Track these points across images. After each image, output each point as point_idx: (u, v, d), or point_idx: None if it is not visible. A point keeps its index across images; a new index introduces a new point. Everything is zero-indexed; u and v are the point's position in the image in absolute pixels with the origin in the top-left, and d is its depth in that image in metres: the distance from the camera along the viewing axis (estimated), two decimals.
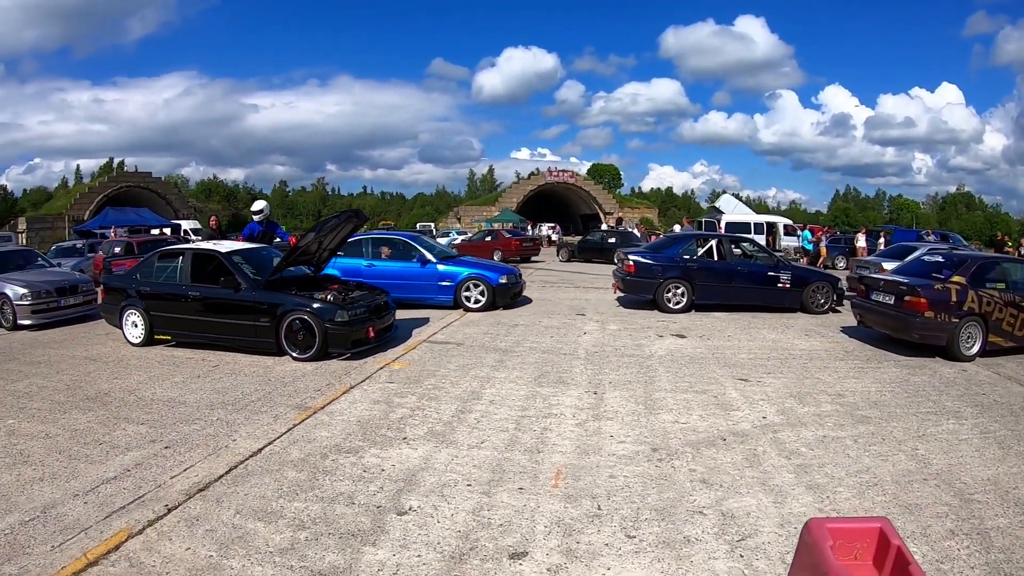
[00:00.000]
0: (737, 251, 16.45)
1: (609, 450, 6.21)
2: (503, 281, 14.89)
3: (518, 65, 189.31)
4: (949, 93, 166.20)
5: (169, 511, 4.89)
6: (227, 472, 5.61)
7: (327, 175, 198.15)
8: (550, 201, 71.58)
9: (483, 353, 10.33)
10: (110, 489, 5.29)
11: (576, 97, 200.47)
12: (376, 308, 10.39)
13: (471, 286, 14.69)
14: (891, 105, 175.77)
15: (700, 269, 15.31)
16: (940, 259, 11.84)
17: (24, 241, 44.29)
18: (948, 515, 5.20)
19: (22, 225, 52.44)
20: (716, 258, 15.55)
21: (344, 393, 8.02)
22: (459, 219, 65.81)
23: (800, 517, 4.79)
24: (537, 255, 35.04)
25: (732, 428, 7.12)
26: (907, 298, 10.47)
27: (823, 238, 31.40)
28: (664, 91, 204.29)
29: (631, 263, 15.62)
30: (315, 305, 9.55)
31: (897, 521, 4.83)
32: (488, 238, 34.78)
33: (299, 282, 10.75)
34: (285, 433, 6.60)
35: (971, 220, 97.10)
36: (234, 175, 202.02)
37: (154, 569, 4.11)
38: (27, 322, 12.78)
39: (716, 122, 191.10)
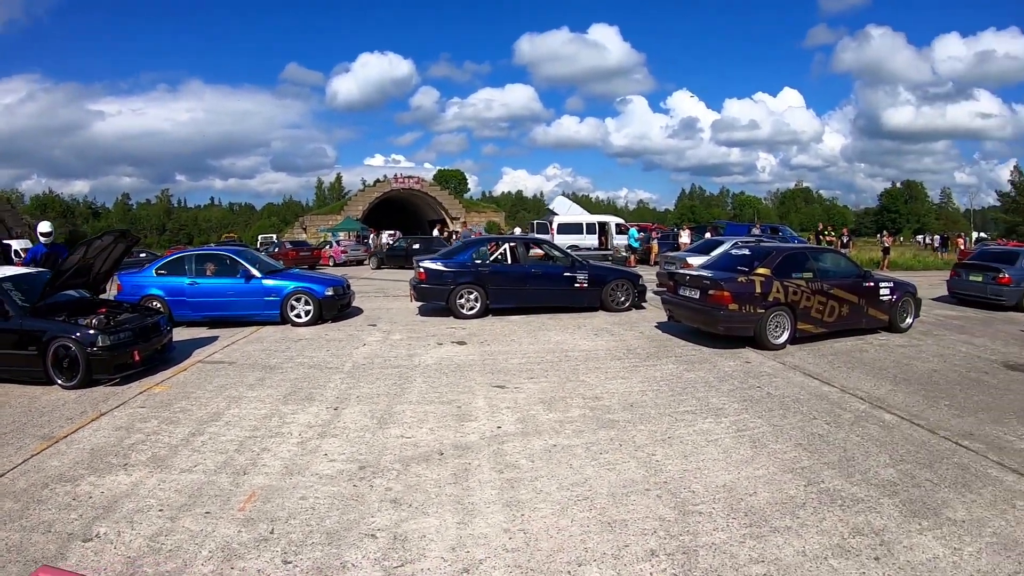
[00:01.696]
0: (539, 253, 16.13)
1: (315, 469, 5.91)
2: (329, 293, 14.21)
3: (374, 71, 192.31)
4: (791, 97, 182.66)
5: None
6: None
7: (176, 186, 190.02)
8: (398, 207, 70.76)
9: (249, 371, 9.92)
10: None
11: (431, 103, 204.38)
12: (143, 330, 9.92)
13: (296, 301, 13.99)
14: (736, 109, 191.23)
15: (492, 273, 14.73)
16: (747, 252, 12.08)
17: None
18: (656, 532, 4.56)
19: None
20: (510, 261, 15.10)
21: (93, 421, 7.63)
22: (305, 229, 64.28)
23: (479, 539, 4.57)
24: (316, 264, 36.15)
25: (458, 441, 6.56)
26: (711, 292, 10.64)
27: (654, 236, 31.57)
28: (518, 97, 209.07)
29: (422, 270, 14.88)
30: (77, 332, 9.11)
31: (591, 540, 4.43)
32: (275, 249, 37.00)
33: (72, 307, 10.21)
34: (20, 464, 6.34)
35: (810, 213, 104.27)
36: (78, 188, 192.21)
37: None
38: None
39: (569, 126, 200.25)
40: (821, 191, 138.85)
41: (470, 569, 4.19)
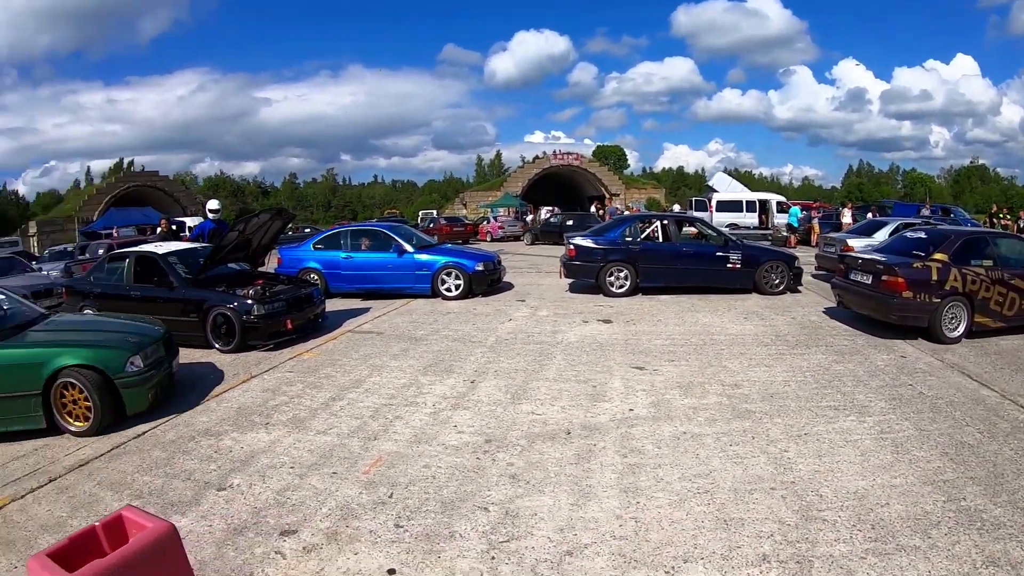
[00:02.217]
0: (691, 230, 15.86)
1: (442, 440, 6.15)
2: (479, 268, 14.62)
3: (531, 48, 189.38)
4: (965, 64, 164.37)
5: (50, 481, 5.53)
6: (109, 451, 6.16)
7: (342, 165, 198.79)
8: (557, 184, 70.66)
9: (394, 342, 10.43)
10: (15, 465, 5.94)
11: (589, 79, 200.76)
12: (297, 301, 10.73)
13: (446, 275, 14.53)
14: (906, 78, 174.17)
15: (643, 251, 14.59)
16: (923, 236, 11.22)
17: (36, 244, 46.49)
18: (772, 535, 4.40)
19: (33, 228, 52.52)
20: (661, 239, 14.86)
21: (243, 382, 8.32)
22: (465, 205, 65.37)
23: (589, 523, 4.59)
24: (469, 239, 37.04)
25: (587, 421, 6.59)
26: (884, 278, 10.00)
27: (815, 215, 30.25)
28: (677, 70, 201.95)
29: (572, 247, 14.97)
30: (234, 302, 9.99)
31: (703, 536, 4.36)
32: (431, 224, 39.20)
33: (232, 279, 11.18)
34: (172, 418, 7.01)
35: (986, 193, 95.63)
36: (249, 169, 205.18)
37: (18, 524, 4.80)
38: None
39: (731, 100, 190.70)
40: (999, 169, 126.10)
41: (573, 552, 4.23)
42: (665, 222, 15.20)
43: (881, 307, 10.15)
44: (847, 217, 27.40)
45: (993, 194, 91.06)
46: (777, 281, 14.47)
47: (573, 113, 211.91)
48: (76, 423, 6.56)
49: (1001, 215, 33.38)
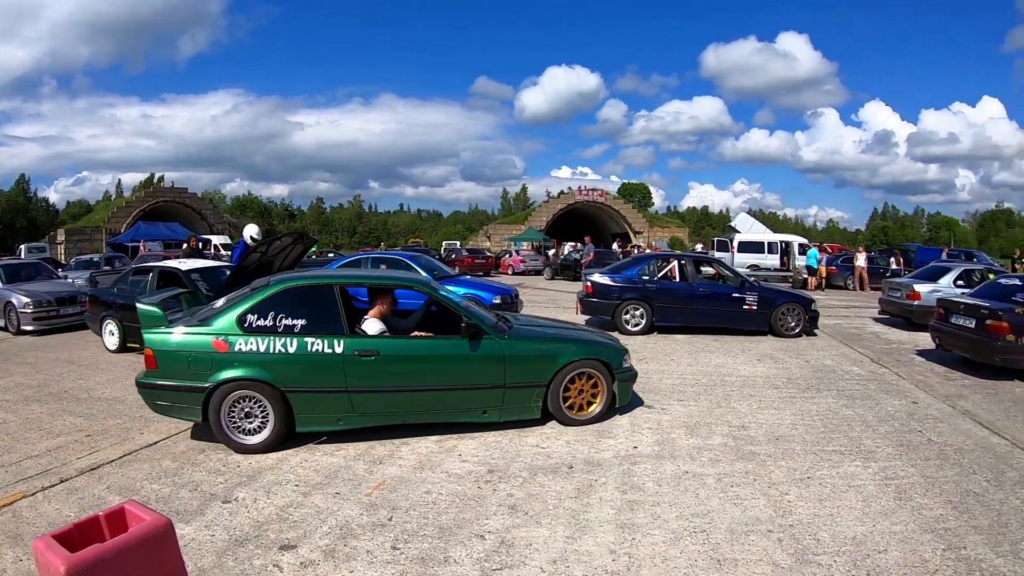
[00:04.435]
0: (708, 271, 15.87)
1: (446, 467, 6.21)
2: (496, 301, 14.24)
3: (561, 84, 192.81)
4: (991, 107, 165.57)
5: (61, 482, 5.77)
6: (120, 457, 6.39)
7: (369, 192, 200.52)
8: (581, 220, 70.77)
9: None
10: (29, 463, 6.25)
11: (618, 116, 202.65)
12: None
13: None
14: (933, 121, 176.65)
15: (660, 290, 14.61)
16: (1018, 282, 11.82)
17: (63, 252, 47.66)
18: None
19: (61, 236, 53.47)
20: (678, 279, 14.87)
21: None
22: (488, 237, 65.96)
23: (583, 555, 4.59)
24: (490, 271, 38.19)
25: (590, 456, 6.60)
26: (989, 322, 10.51)
27: (823, 258, 30.48)
28: (706, 110, 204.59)
29: (589, 284, 15.06)
30: None
31: (695, 575, 4.34)
32: (453, 255, 39.89)
33: None
34: (185, 430, 7.21)
35: (1011, 237, 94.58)
36: (278, 191, 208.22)
37: (27, 520, 5.01)
38: (29, 328, 14.39)
39: (757, 140, 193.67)
40: None
41: None
42: (683, 262, 15.21)
43: (985, 350, 10.58)
44: (861, 260, 27.79)
45: (1019, 238, 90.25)
46: (793, 324, 14.44)
47: (601, 150, 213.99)
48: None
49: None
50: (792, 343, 13.83)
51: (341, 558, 4.47)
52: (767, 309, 14.42)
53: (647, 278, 14.75)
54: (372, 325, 6.96)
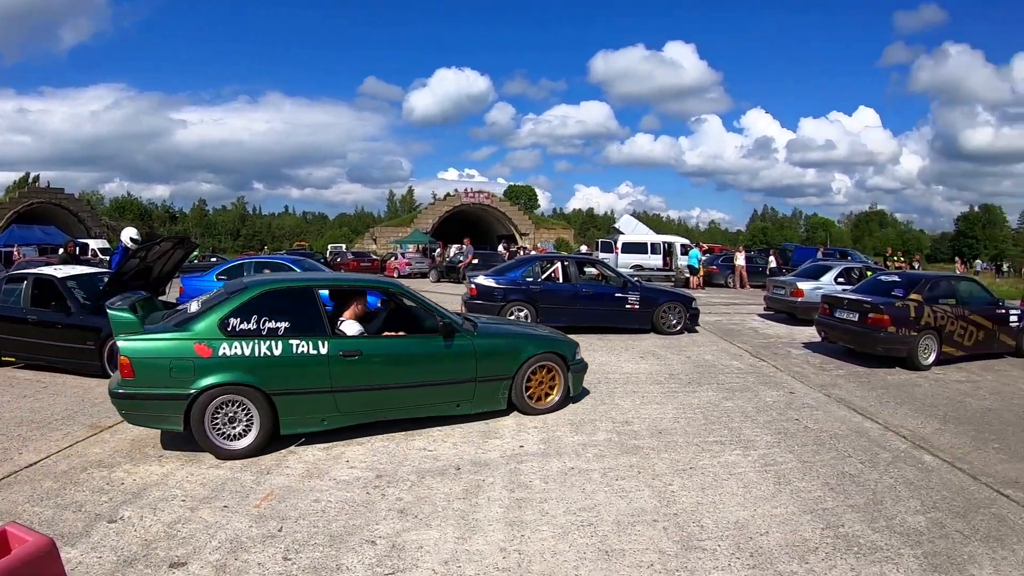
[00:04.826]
0: (591, 272, 16.10)
1: (334, 475, 6.05)
2: (379, 305, 13.79)
3: (450, 86, 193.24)
4: (867, 117, 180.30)
5: None
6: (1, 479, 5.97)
7: (253, 194, 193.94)
8: (467, 222, 70.94)
9: None
10: None
11: (506, 119, 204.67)
12: None
13: None
14: (811, 128, 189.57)
15: (544, 292, 14.67)
16: (896, 279, 13.16)
17: None
18: (652, 565, 4.44)
19: None
20: (561, 280, 15.00)
21: None
22: (375, 240, 65.48)
23: (473, 555, 4.58)
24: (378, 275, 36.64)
25: (477, 457, 6.58)
26: (871, 315, 11.49)
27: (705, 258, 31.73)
28: (593, 114, 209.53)
29: (473, 286, 14.96)
30: None
31: (584, 567, 4.38)
32: (339, 259, 39.99)
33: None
34: (65, 448, 6.78)
35: (883, 237, 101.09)
36: (159, 192, 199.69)
37: None
38: None
39: (643, 144, 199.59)
40: (896, 214, 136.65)
41: None
42: (566, 263, 15.39)
43: (867, 340, 11.62)
44: (740, 260, 29.03)
45: (891, 238, 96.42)
46: (674, 321, 14.79)
47: (489, 152, 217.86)
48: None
49: (895, 258, 35.32)
50: (674, 340, 14.16)
51: (232, 572, 4.36)
52: (649, 308, 14.72)
53: (531, 279, 14.82)
54: (351, 326, 7.09)
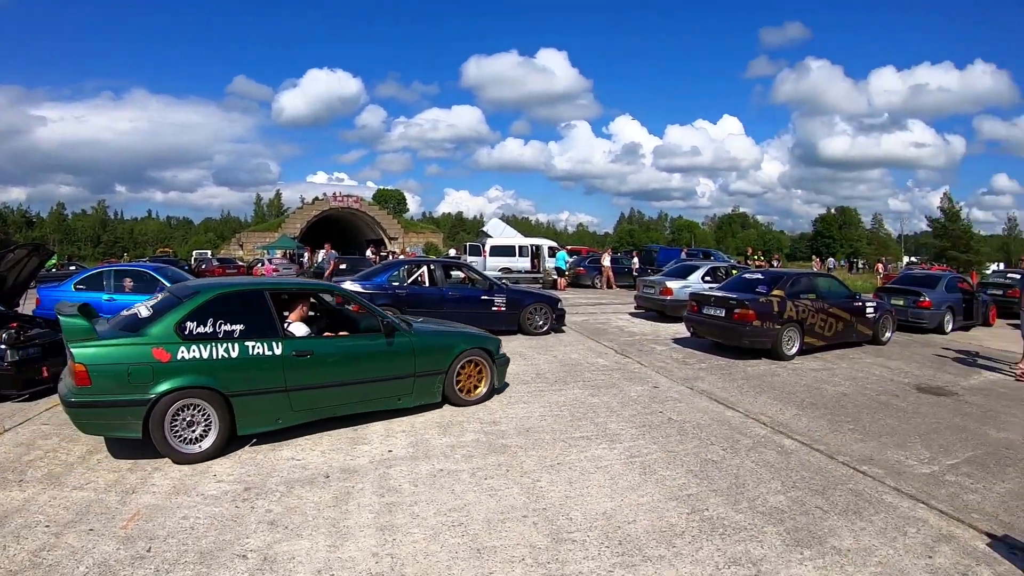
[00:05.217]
0: (458, 275, 16.23)
1: (202, 490, 5.84)
2: None
3: (322, 87, 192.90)
4: (731, 125, 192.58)
5: None
6: None
7: (115, 197, 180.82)
8: (336, 226, 69.90)
9: None
10: None
11: (377, 122, 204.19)
12: (54, 346, 9.47)
13: None
14: (678, 135, 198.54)
15: (410, 295, 14.57)
16: (760, 276, 14.06)
17: None
18: (524, 559, 4.52)
19: None
20: (427, 284, 15.01)
21: None
22: (241, 246, 63.39)
23: (346, 562, 4.55)
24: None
25: (346, 464, 6.49)
26: (737, 310, 12.17)
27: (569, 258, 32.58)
28: (464, 118, 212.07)
29: (338, 292, 14.45)
30: None
31: (457, 566, 4.43)
32: (203, 265, 38.77)
33: None
34: None
35: (746, 237, 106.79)
36: (14, 195, 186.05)
37: None
38: None
39: (513, 149, 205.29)
40: (758, 216, 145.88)
41: None
42: (432, 267, 15.43)
43: (734, 335, 12.29)
44: (607, 261, 30.00)
45: (752, 238, 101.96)
46: (541, 322, 14.99)
47: (359, 155, 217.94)
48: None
49: (755, 257, 37.07)
50: (541, 340, 14.32)
51: None
52: (515, 309, 14.87)
53: (397, 284, 14.73)
54: (299, 327, 7.34)
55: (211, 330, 6.53)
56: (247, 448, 6.91)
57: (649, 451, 6.83)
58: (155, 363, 6.23)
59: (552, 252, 34.61)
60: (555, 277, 30.45)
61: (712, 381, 10.26)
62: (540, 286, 26.52)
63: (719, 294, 13.16)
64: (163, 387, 6.20)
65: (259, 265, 40.44)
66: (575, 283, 31.38)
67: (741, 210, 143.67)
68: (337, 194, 69.33)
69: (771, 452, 6.90)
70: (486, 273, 19.01)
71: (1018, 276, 21.61)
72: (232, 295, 7.05)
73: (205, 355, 6.41)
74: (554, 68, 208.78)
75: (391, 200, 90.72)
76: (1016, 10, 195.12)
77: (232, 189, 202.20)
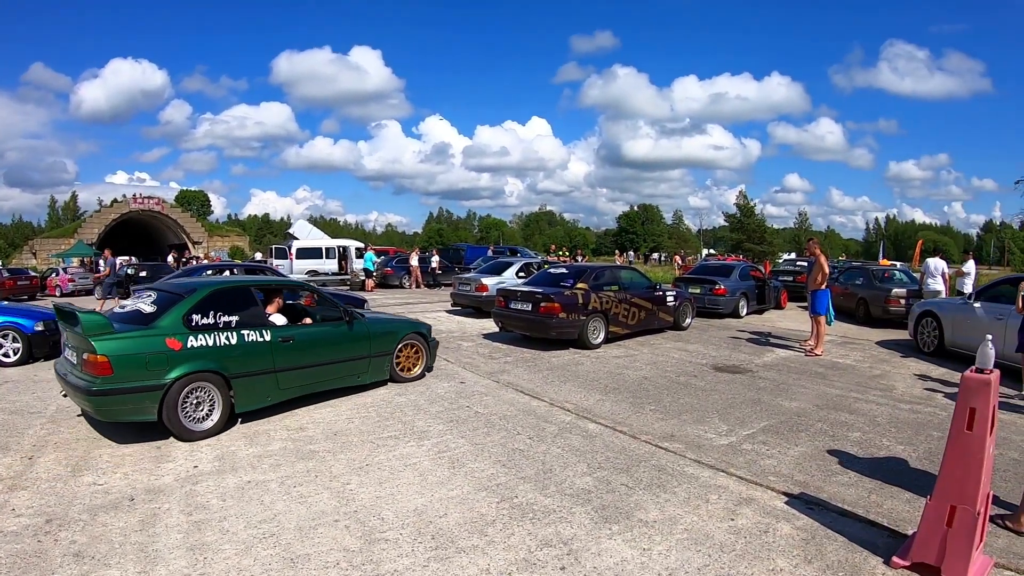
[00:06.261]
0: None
1: (0, 526, 5.38)
2: (39, 328, 12.47)
3: (125, 79, 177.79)
4: (540, 127, 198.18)
5: None
6: None
7: None
8: (137, 231, 66.10)
9: None
10: None
11: (182, 118, 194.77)
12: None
13: (2, 338, 12.26)
14: (487, 136, 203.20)
15: None
16: (564, 271, 14.90)
17: None
18: (339, 564, 4.53)
19: None
20: None
21: None
22: (34, 254, 57.88)
23: None
24: (37, 294, 32.97)
25: (151, 484, 6.22)
26: (543, 304, 12.86)
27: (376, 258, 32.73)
28: (273, 116, 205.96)
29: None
30: None
31: None
32: None
33: None
34: None
35: (553, 235, 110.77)
36: None
37: None
38: None
39: (322, 148, 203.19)
40: (565, 214, 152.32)
41: None
42: (234, 272, 15.37)
43: (541, 327, 12.93)
44: (414, 260, 30.52)
45: (559, 235, 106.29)
46: None
47: (161, 153, 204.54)
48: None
49: (560, 253, 38.58)
50: None
51: None
52: None
53: None
54: (278, 318, 8.58)
55: (213, 321, 7.55)
56: (46, 478, 6.52)
57: (457, 445, 7.01)
58: (169, 351, 7.12)
59: (360, 253, 34.58)
60: (363, 278, 30.36)
61: (518, 373, 10.62)
62: (348, 288, 26.36)
63: (525, 289, 13.78)
64: (176, 372, 7.09)
65: (53, 275, 37.40)
66: (383, 283, 31.40)
67: (548, 208, 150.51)
68: (138, 195, 65.33)
69: (576, 437, 7.25)
70: (293, 276, 18.81)
71: (805, 264, 23.58)
72: (226, 290, 8.06)
73: (210, 343, 7.44)
74: (367, 66, 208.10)
75: (195, 202, 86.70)
76: (811, 27, 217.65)
77: (24, 191, 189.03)
